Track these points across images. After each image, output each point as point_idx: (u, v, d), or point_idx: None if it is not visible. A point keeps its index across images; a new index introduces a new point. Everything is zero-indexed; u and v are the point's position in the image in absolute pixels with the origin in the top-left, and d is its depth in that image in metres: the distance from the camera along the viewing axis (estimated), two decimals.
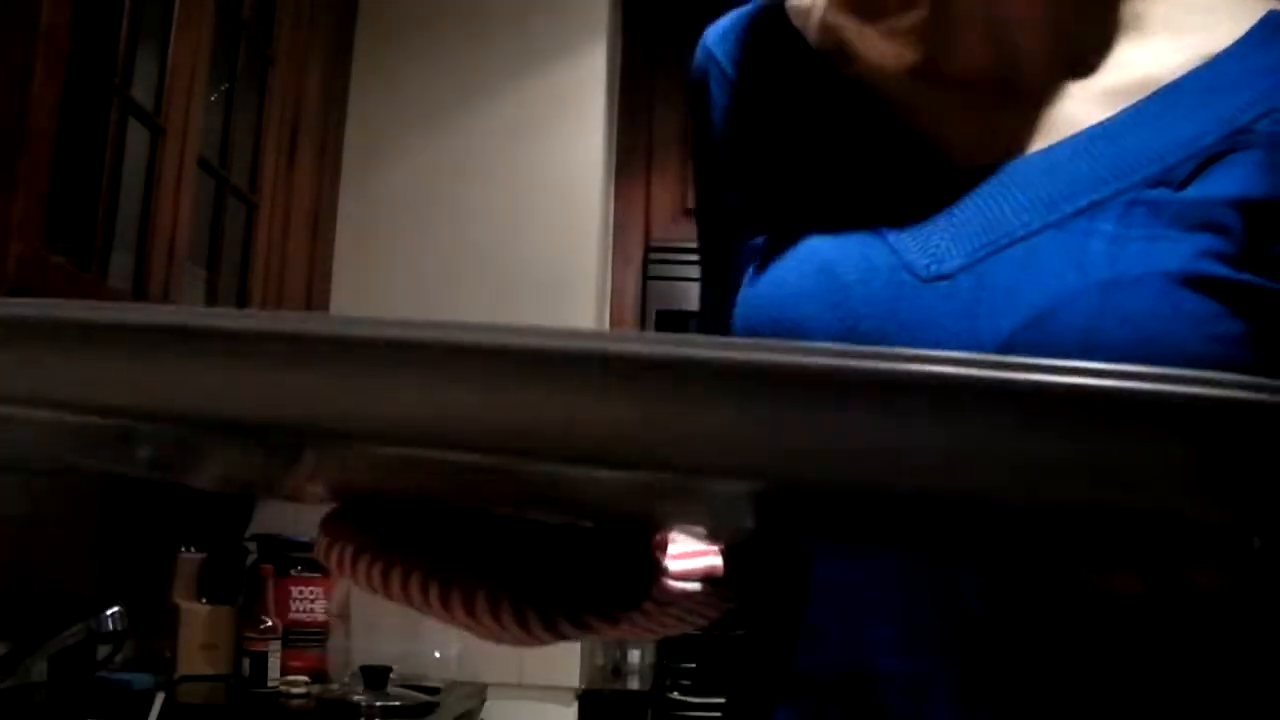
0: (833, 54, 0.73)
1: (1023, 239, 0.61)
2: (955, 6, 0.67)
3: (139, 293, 1.77)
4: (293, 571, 2.46)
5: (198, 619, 2.36)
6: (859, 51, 0.71)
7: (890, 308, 0.61)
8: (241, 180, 2.20)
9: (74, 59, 1.53)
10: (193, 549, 2.43)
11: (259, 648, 2.26)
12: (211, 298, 2.10)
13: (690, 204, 3.11)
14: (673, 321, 2.95)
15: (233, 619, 2.40)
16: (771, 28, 0.77)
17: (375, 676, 2.18)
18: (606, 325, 3.01)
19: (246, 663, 2.26)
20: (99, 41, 1.63)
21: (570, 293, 2.77)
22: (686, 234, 3.02)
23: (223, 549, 2.46)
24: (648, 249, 3.02)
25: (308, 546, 2.54)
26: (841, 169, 0.69)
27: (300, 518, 2.70)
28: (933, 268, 0.61)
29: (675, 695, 2.60)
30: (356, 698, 2.13)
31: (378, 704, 2.11)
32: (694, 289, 3.21)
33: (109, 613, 1.74)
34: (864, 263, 0.63)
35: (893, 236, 0.63)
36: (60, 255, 1.56)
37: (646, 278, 3.00)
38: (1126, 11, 0.67)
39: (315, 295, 2.65)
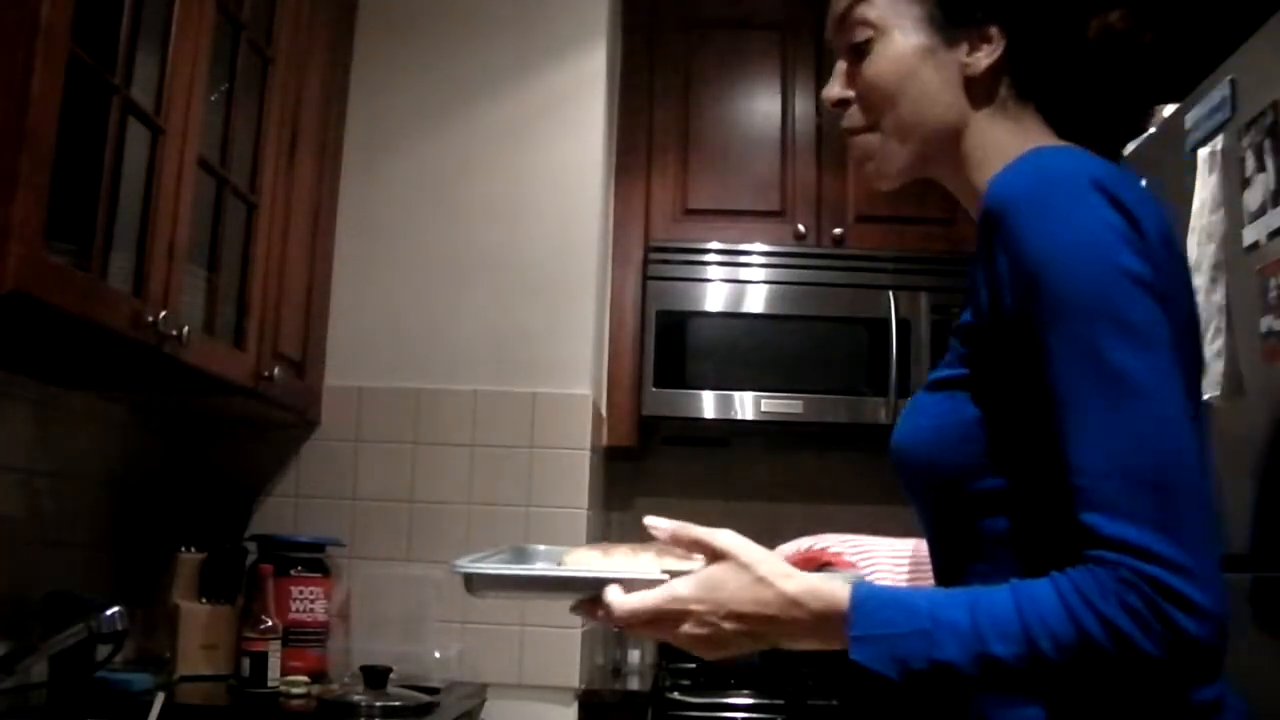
0: None
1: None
2: None
3: (139, 293, 1.77)
4: (293, 571, 2.46)
5: (198, 619, 2.36)
6: None
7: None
8: (241, 180, 2.20)
9: (74, 59, 1.53)
10: (193, 549, 2.43)
11: (259, 648, 2.26)
12: (211, 298, 2.10)
13: (689, 204, 3.12)
14: (672, 321, 2.95)
15: (233, 619, 2.40)
16: None
17: (375, 676, 2.18)
18: (606, 325, 3.02)
19: (246, 663, 2.26)
20: (99, 41, 1.63)
21: (570, 293, 2.77)
22: (686, 234, 3.03)
23: (223, 549, 2.46)
24: (647, 249, 3.02)
25: (308, 546, 2.54)
26: None
27: (300, 518, 2.70)
28: None
29: (675, 695, 2.61)
30: (356, 698, 2.13)
31: (378, 704, 2.11)
32: (693, 288, 3.23)
33: (109, 613, 1.74)
34: None
35: None
36: (60, 255, 1.56)
37: (646, 278, 3.00)
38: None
39: (315, 295, 2.65)
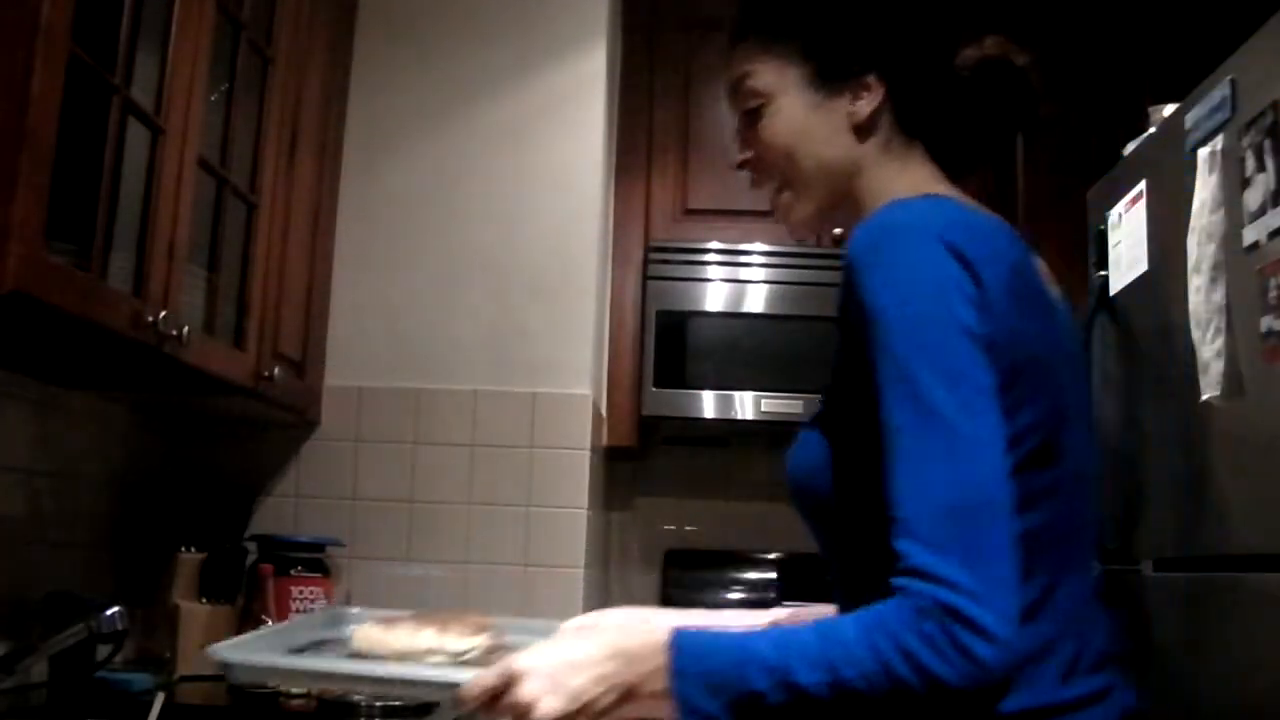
0: None
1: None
2: None
3: (139, 293, 1.77)
4: (293, 571, 2.46)
5: (198, 619, 2.36)
6: None
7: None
8: (241, 180, 2.20)
9: (74, 59, 1.53)
10: (193, 549, 2.43)
11: None
12: (211, 298, 2.10)
13: (690, 204, 3.12)
14: (672, 321, 2.95)
15: (233, 619, 2.40)
16: None
17: None
18: (606, 325, 3.02)
19: None
20: (99, 41, 1.63)
21: (570, 293, 2.77)
22: (686, 234, 3.03)
23: (223, 549, 2.46)
24: (647, 249, 3.02)
25: (308, 546, 2.54)
26: None
27: (300, 518, 2.70)
28: None
29: None
30: (356, 698, 2.13)
31: (378, 704, 2.11)
32: (693, 288, 3.24)
33: (109, 613, 1.74)
34: None
35: None
36: (60, 255, 1.56)
37: (646, 278, 3.00)
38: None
39: (315, 295, 2.65)
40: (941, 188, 1.15)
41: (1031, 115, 1.19)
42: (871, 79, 1.14)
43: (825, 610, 1.25)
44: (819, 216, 1.20)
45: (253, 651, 1.09)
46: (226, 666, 1.03)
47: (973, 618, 0.86)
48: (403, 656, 1.15)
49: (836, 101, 1.15)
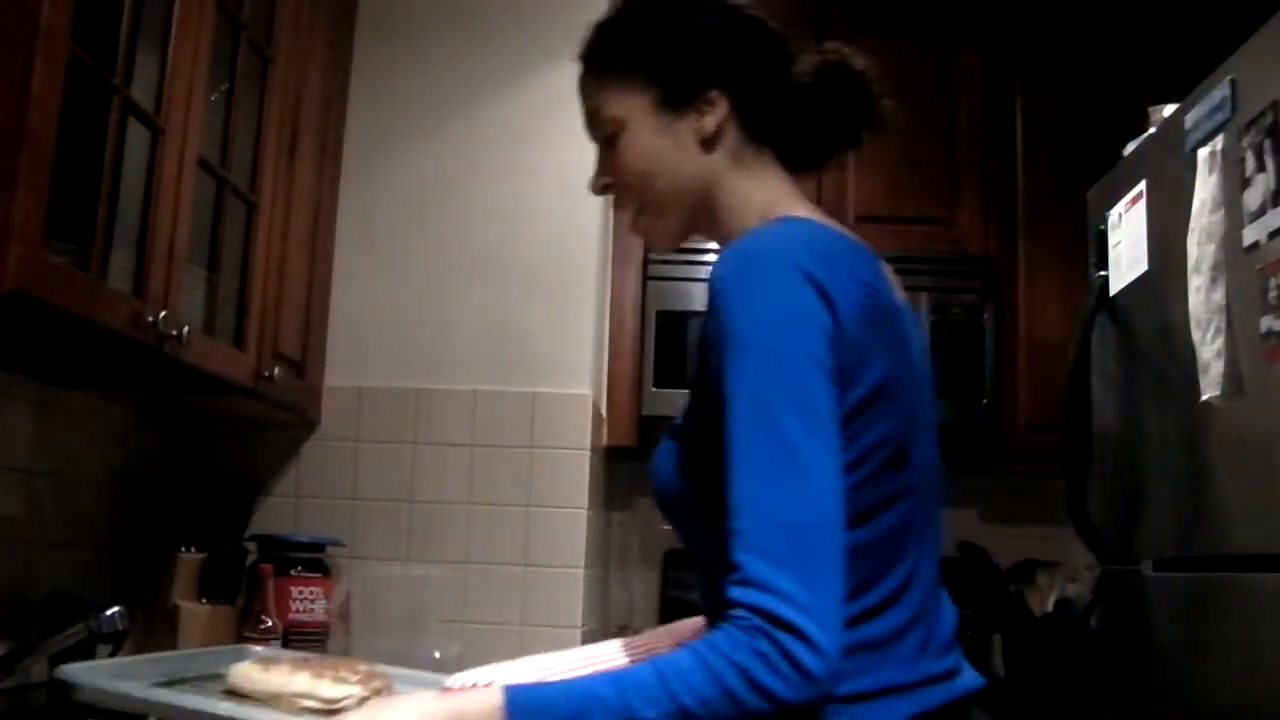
0: None
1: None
2: None
3: (139, 293, 1.77)
4: (293, 571, 2.46)
5: (198, 619, 2.36)
6: None
7: None
8: (241, 180, 2.20)
9: (74, 59, 1.53)
10: (193, 549, 2.43)
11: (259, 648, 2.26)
12: (211, 298, 2.10)
13: None
14: (672, 321, 2.95)
15: (233, 619, 2.40)
16: None
17: None
18: (606, 325, 3.02)
19: None
20: (99, 41, 1.63)
21: (570, 293, 2.77)
22: None
23: (223, 549, 2.46)
24: (647, 249, 3.02)
25: (308, 546, 2.54)
26: None
27: (300, 518, 2.70)
28: None
29: None
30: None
31: None
32: (693, 288, 3.24)
33: (109, 613, 1.74)
34: None
35: None
36: (60, 255, 1.56)
37: (646, 278, 3.00)
38: None
39: (315, 295, 2.65)
40: (799, 206, 1.21)
41: (872, 114, 1.24)
42: (715, 94, 1.20)
43: (694, 624, 1.30)
44: (680, 234, 1.26)
45: (112, 677, 1.10)
46: (71, 688, 1.04)
47: (802, 629, 0.91)
48: (274, 698, 1.15)
49: (683, 121, 1.21)
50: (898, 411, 1.07)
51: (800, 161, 1.26)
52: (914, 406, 1.10)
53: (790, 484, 0.96)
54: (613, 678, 0.95)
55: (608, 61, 1.25)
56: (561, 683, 0.98)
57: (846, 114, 1.23)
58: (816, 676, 0.91)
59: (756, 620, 0.92)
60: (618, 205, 1.29)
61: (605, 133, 1.25)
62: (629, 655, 1.27)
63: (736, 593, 0.94)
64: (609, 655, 1.27)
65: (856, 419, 1.03)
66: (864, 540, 1.03)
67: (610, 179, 1.27)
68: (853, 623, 1.00)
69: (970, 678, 1.10)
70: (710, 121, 1.20)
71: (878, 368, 1.05)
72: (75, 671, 1.07)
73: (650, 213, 1.25)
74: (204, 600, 2.40)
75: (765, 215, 1.19)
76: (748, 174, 1.22)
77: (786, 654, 0.91)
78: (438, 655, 2.58)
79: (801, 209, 1.20)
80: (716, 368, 1.02)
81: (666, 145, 1.21)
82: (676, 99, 1.21)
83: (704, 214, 1.23)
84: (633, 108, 1.22)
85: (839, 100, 1.22)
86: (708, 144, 1.21)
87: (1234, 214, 1.67)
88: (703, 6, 1.23)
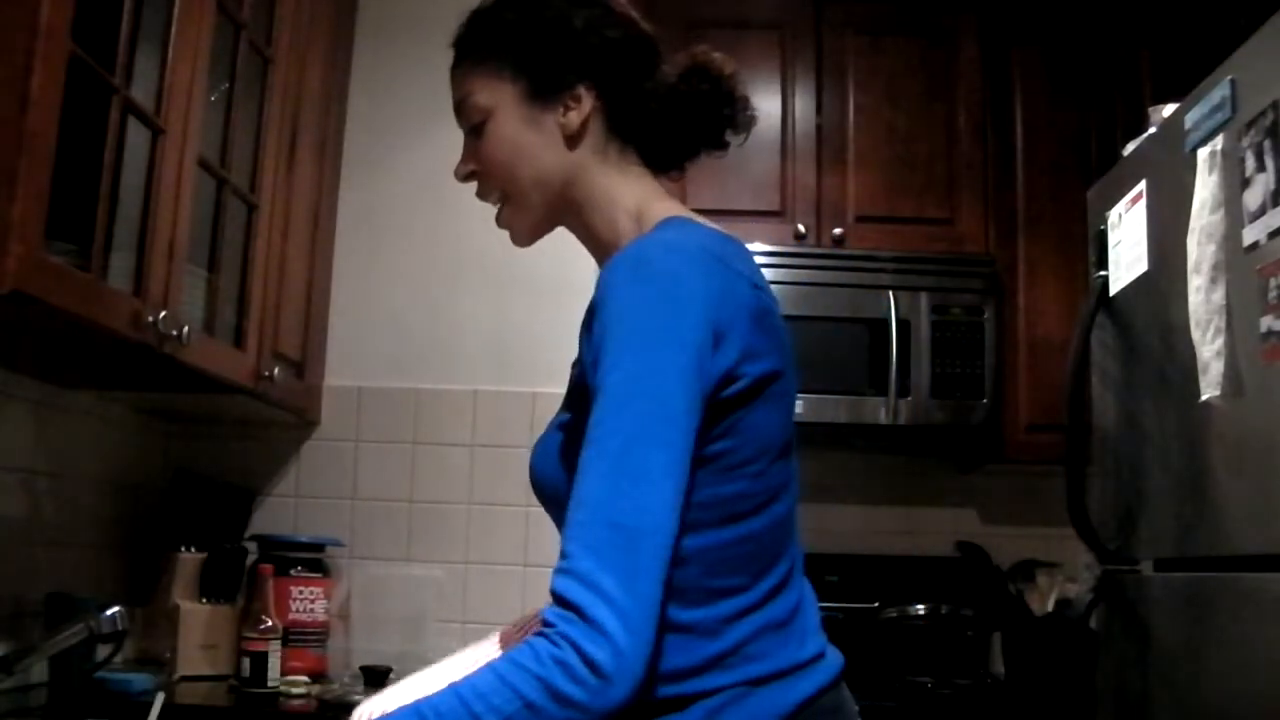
0: None
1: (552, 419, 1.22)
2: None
3: (139, 293, 1.77)
4: (293, 571, 2.46)
5: (198, 619, 2.36)
6: None
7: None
8: (241, 180, 2.20)
9: (74, 59, 1.53)
10: (193, 549, 2.43)
11: (259, 648, 2.26)
12: (211, 298, 2.10)
13: (689, 204, 3.11)
14: None
15: (233, 619, 2.40)
16: None
17: (375, 676, 2.18)
18: None
19: (246, 663, 2.26)
20: (99, 41, 1.63)
21: (570, 293, 2.76)
22: None
23: (223, 549, 2.46)
24: None
25: (308, 546, 2.54)
26: None
27: (300, 518, 2.70)
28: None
29: None
30: (356, 698, 2.13)
31: None
32: None
33: (109, 613, 1.74)
34: None
35: None
36: (60, 255, 1.56)
37: None
38: (613, 248, 1.17)
39: (315, 295, 2.65)
40: (672, 207, 1.23)
41: (735, 120, 1.26)
42: (582, 90, 1.22)
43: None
44: (541, 228, 1.27)
45: None
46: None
47: (607, 630, 0.91)
48: None
49: (549, 114, 1.22)
50: (785, 405, 1.12)
51: (663, 161, 1.28)
52: (791, 403, 1.14)
53: (632, 487, 0.97)
54: (414, 708, 0.95)
55: (479, 50, 1.25)
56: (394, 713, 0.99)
57: (709, 116, 1.24)
58: (613, 678, 0.91)
59: (564, 625, 0.93)
60: (480, 194, 1.30)
61: (472, 121, 1.25)
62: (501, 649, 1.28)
63: (558, 581, 0.95)
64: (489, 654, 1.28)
65: (754, 413, 1.06)
66: (760, 528, 1.07)
67: (475, 167, 1.28)
68: (758, 606, 1.06)
69: (837, 656, 1.15)
70: (575, 117, 1.22)
71: (768, 364, 1.08)
72: None
73: (512, 204, 1.26)
74: (204, 600, 2.40)
75: (638, 215, 1.21)
76: (612, 171, 1.24)
77: (585, 659, 0.91)
78: (438, 655, 2.58)
79: (676, 209, 1.22)
80: (593, 365, 1.04)
81: (531, 137, 1.22)
82: (543, 91, 1.22)
83: (567, 209, 1.25)
84: (500, 97, 1.23)
85: (702, 101, 1.23)
86: (573, 139, 1.22)
87: (1234, 214, 1.67)
88: (576, 2, 1.24)
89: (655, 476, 0.98)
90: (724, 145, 1.28)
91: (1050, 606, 2.87)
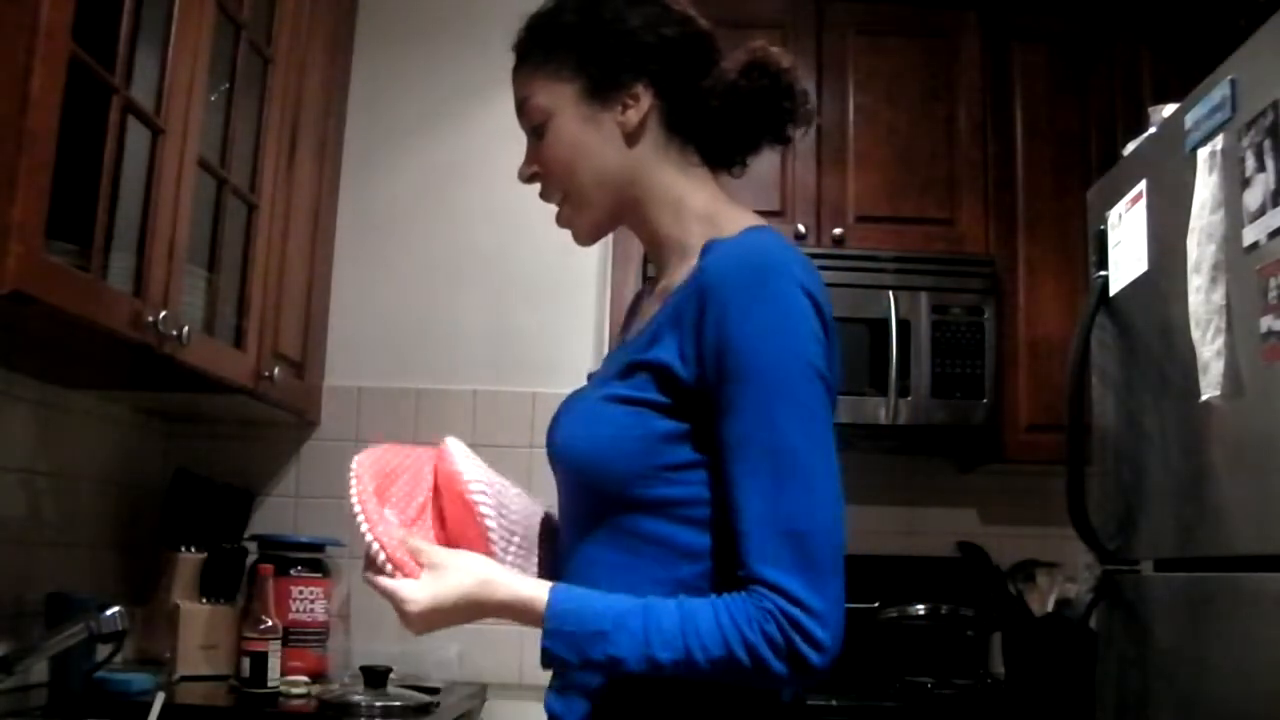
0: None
1: (589, 389, 1.25)
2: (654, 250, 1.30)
3: (139, 293, 1.77)
4: (293, 571, 2.46)
5: (198, 619, 2.36)
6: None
7: (557, 415, 1.28)
8: (241, 180, 2.20)
9: (74, 59, 1.53)
10: (193, 549, 2.43)
11: (259, 648, 2.26)
12: (211, 298, 2.10)
13: None
14: None
15: (233, 619, 2.40)
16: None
17: (375, 676, 2.18)
18: (606, 325, 3.02)
19: (246, 663, 2.25)
20: (99, 41, 1.63)
21: (570, 293, 2.77)
22: None
23: (223, 549, 2.46)
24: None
25: (308, 546, 2.54)
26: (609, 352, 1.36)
27: (300, 517, 2.70)
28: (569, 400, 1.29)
29: None
30: (356, 698, 2.13)
31: (378, 704, 2.11)
32: None
33: (109, 613, 1.74)
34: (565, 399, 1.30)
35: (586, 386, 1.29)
36: (60, 255, 1.56)
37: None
38: (680, 247, 1.24)
39: (315, 295, 2.65)
40: (747, 214, 1.26)
41: (795, 114, 1.26)
42: (640, 88, 1.23)
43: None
44: (604, 227, 1.30)
45: None
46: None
47: (810, 630, 1.03)
48: None
49: (608, 113, 1.23)
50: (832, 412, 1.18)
51: (724, 158, 1.29)
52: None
53: (797, 491, 1.05)
54: (643, 608, 1.06)
55: (538, 52, 1.27)
56: (599, 598, 1.09)
57: (770, 110, 1.25)
58: (815, 668, 1.04)
59: (771, 609, 1.03)
60: (543, 195, 1.32)
61: (533, 122, 1.27)
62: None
63: (775, 574, 1.04)
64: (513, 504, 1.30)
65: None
66: None
67: (538, 168, 1.29)
68: None
69: None
70: (634, 115, 1.23)
71: (833, 372, 1.15)
72: None
73: (573, 203, 1.28)
74: (204, 600, 2.40)
75: (709, 218, 1.23)
76: (673, 169, 1.25)
77: (791, 645, 1.03)
78: (438, 655, 2.58)
79: (753, 218, 1.24)
80: (712, 365, 1.09)
81: (591, 136, 1.24)
82: (602, 90, 1.23)
83: (628, 207, 1.26)
84: (560, 98, 1.24)
85: (763, 97, 1.24)
86: (632, 137, 1.24)
87: (1234, 214, 1.67)
88: (633, 0, 1.25)
89: (810, 477, 1.06)
90: (787, 139, 1.29)
91: (1050, 606, 2.87)
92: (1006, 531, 3.13)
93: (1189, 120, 1.83)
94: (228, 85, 2.13)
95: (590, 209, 1.27)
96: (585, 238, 1.31)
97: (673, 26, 1.24)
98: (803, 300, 1.11)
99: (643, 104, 1.23)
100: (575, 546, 1.21)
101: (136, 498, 2.52)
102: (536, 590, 1.12)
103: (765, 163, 3.04)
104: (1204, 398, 1.71)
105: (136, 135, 1.77)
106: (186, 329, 1.85)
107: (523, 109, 1.28)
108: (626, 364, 1.18)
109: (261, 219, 2.28)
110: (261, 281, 2.30)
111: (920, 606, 2.85)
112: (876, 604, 2.93)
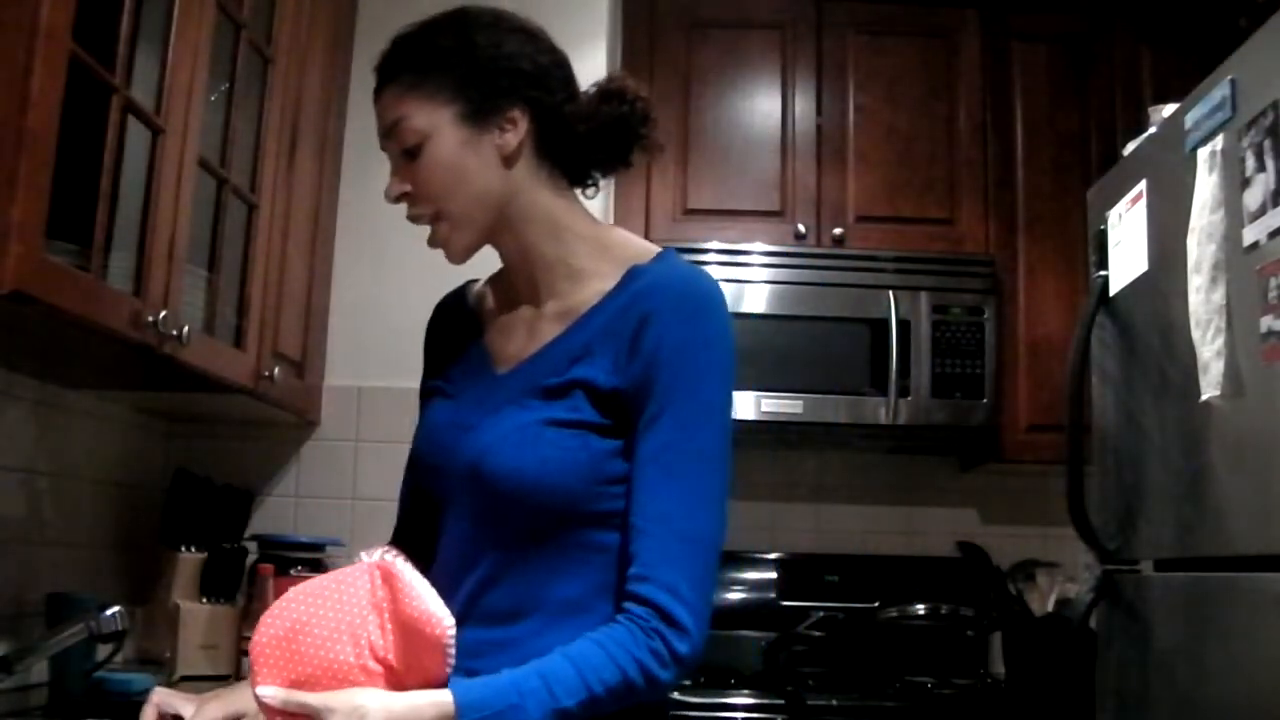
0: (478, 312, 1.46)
1: (500, 410, 1.26)
2: (510, 275, 1.40)
3: (139, 293, 1.77)
4: (293, 571, 2.46)
5: (198, 619, 2.36)
6: (485, 307, 1.47)
7: (449, 439, 1.33)
8: (241, 180, 2.20)
9: (74, 59, 1.53)
10: (193, 549, 2.43)
11: None
12: (211, 298, 2.10)
13: (689, 204, 3.12)
14: None
15: (233, 619, 2.40)
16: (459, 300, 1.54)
17: None
18: None
19: (246, 663, 2.25)
20: (99, 41, 1.63)
21: None
22: (686, 234, 3.03)
23: (223, 549, 2.46)
24: None
25: (308, 546, 2.54)
26: (462, 373, 1.42)
27: (300, 517, 2.70)
28: (463, 422, 1.31)
29: (675, 695, 2.60)
30: None
31: None
32: None
33: (109, 613, 1.74)
34: (444, 421, 1.38)
35: (458, 407, 1.36)
36: (60, 255, 1.57)
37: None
38: (566, 267, 1.31)
39: (315, 295, 2.65)
40: (641, 241, 1.33)
41: (648, 138, 1.33)
42: (517, 112, 1.28)
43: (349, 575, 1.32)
44: (477, 245, 1.35)
45: None
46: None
47: (681, 621, 1.13)
48: None
49: (487, 135, 1.27)
50: None
51: (581, 179, 1.35)
52: None
53: (700, 507, 1.17)
54: (535, 670, 1.12)
55: (410, 74, 1.29)
56: (492, 679, 1.13)
57: (626, 136, 1.31)
58: (686, 661, 1.15)
59: (654, 621, 1.13)
60: (411, 215, 1.36)
61: (407, 144, 1.29)
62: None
63: (644, 589, 1.15)
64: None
65: None
66: None
67: (408, 188, 1.33)
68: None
69: None
70: (512, 138, 1.27)
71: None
72: None
73: (449, 223, 1.32)
74: (204, 600, 2.40)
75: (599, 240, 1.31)
76: (547, 191, 1.31)
77: (671, 649, 1.13)
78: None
79: (646, 242, 1.32)
80: (642, 377, 1.19)
81: (470, 158, 1.27)
82: (481, 114, 1.27)
83: (504, 226, 1.31)
84: (437, 120, 1.27)
85: (622, 123, 1.30)
86: (509, 160, 1.28)
87: (1234, 214, 1.67)
88: (508, 28, 1.30)
89: (716, 497, 1.18)
90: (630, 165, 1.35)
91: (1050, 606, 2.87)
92: (1006, 531, 3.13)
93: (1189, 120, 1.83)
94: (228, 85, 2.13)
95: (468, 229, 1.32)
96: (460, 257, 1.36)
97: (545, 55, 1.30)
98: (727, 324, 1.23)
99: (520, 128, 1.28)
100: (506, 562, 1.23)
101: (136, 498, 2.52)
102: (436, 697, 1.12)
103: (765, 163, 3.07)
104: (1204, 398, 1.71)
105: (136, 135, 1.77)
106: (186, 329, 1.85)
107: (393, 131, 1.30)
108: (556, 384, 1.23)
109: (261, 219, 2.28)
110: (261, 281, 2.30)
111: (920, 606, 2.85)
112: (876, 604, 2.93)
